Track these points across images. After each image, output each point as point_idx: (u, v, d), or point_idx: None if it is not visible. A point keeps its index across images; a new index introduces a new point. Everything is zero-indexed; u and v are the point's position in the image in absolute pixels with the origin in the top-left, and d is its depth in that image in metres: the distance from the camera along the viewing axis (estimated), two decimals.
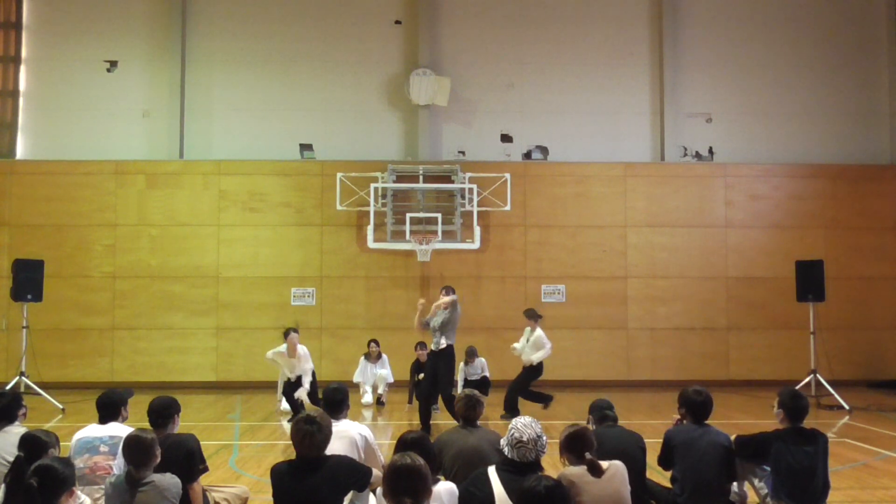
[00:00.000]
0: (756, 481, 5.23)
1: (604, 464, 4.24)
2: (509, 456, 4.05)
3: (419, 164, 14.31)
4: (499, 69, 14.96)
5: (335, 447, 4.59)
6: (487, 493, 3.93)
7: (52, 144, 14.60)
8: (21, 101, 14.73)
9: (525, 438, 4.02)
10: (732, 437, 5.27)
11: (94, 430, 5.07)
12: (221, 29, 14.88)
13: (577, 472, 4.24)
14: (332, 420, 4.95)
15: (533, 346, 10.42)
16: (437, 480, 4.08)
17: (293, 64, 14.88)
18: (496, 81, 14.97)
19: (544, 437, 4.09)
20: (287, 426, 9.54)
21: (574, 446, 4.32)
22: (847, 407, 11.23)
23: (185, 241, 14.17)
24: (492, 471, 4.05)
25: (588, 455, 4.23)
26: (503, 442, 4.14)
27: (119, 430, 5.05)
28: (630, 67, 15.10)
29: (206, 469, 4.96)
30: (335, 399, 5.16)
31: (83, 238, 14.10)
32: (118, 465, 4.86)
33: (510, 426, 4.13)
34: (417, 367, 11.26)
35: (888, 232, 14.74)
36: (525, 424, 4.08)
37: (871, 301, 14.57)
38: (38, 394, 11.17)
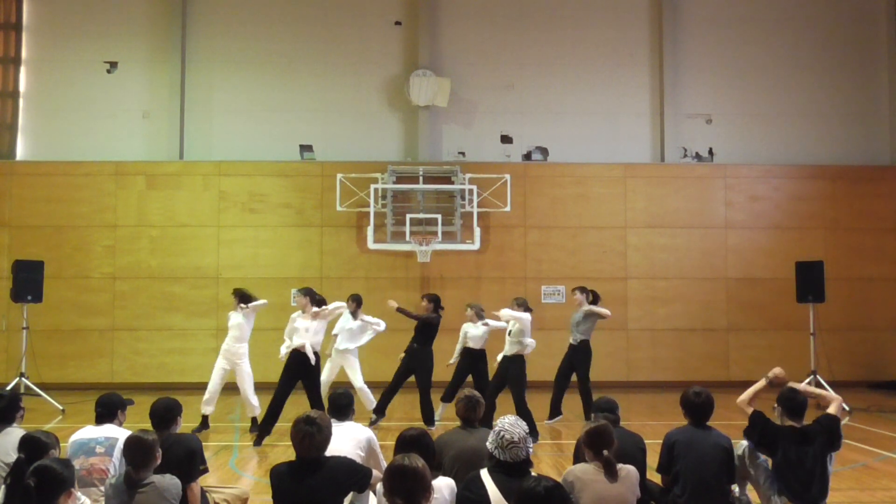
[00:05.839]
0: (761, 482, 5.24)
1: (618, 466, 4.24)
2: (501, 458, 4.00)
3: (419, 164, 14.31)
4: (499, 70, 14.96)
5: (339, 448, 4.60)
6: (482, 496, 3.91)
7: (51, 145, 14.60)
8: (21, 101, 14.73)
9: (517, 439, 4.00)
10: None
11: (89, 432, 5.06)
12: (221, 29, 14.88)
13: (584, 469, 4.23)
14: (338, 421, 4.98)
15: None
16: (436, 476, 4.08)
17: (293, 64, 14.88)
18: (496, 82, 14.96)
19: (529, 437, 4.09)
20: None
21: (594, 442, 4.32)
22: (847, 408, 11.21)
23: (185, 242, 14.16)
24: (484, 473, 4.01)
25: (606, 453, 4.22)
26: (490, 446, 4.06)
27: (114, 431, 5.04)
28: (630, 68, 15.09)
29: (206, 470, 4.97)
30: (341, 403, 5.26)
31: (83, 239, 14.09)
32: (115, 465, 4.87)
33: (497, 428, 4.06)
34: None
35: (888, 233, 14.73)
36: (512, 424, 4.06)
37: (871, 302, 14.55)
38: (38, 395, 11.18)
